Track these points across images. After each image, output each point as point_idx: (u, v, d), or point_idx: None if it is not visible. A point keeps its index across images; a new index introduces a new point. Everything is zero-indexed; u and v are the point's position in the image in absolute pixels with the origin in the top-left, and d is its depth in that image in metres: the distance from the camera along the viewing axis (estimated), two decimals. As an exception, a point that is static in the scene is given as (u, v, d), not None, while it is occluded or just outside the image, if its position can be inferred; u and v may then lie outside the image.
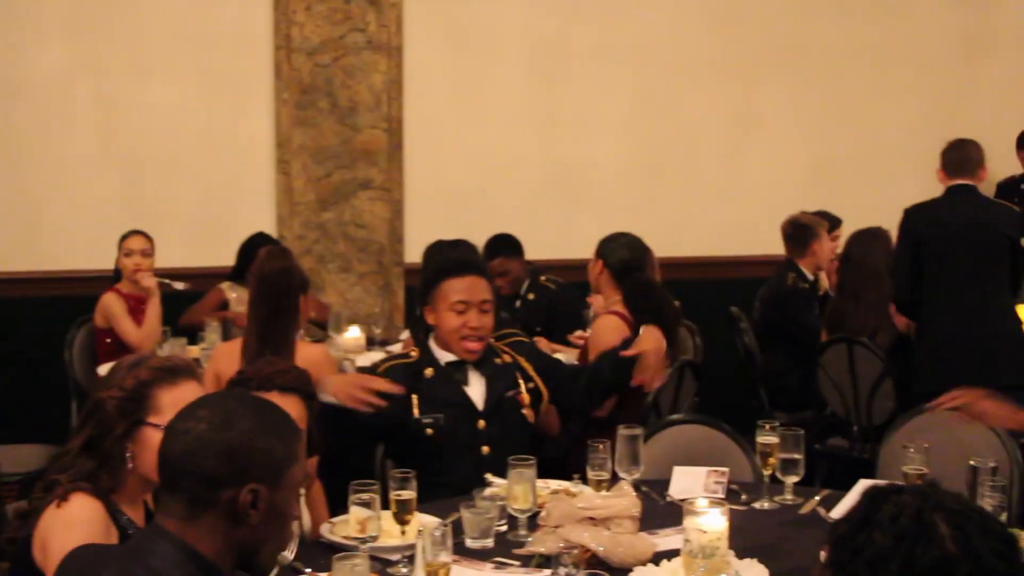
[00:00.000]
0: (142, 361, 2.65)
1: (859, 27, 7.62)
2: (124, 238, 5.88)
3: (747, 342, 6.19)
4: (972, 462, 3.26)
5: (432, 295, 3.88)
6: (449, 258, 4.23)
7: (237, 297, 6.11)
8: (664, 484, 3.65)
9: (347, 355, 5.28)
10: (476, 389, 3.84)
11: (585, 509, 2.98)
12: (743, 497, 3.54)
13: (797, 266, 6.15)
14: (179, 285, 5.92)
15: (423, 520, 3.12)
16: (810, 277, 6.17)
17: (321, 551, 3.04)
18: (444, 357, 3.87)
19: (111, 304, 5.80)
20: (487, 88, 7.17)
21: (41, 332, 6.18)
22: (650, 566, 2.83)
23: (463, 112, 7.14)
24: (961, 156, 5.50)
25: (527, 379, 3.92)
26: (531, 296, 6.12)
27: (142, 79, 6.72)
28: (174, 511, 2.01)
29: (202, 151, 6.82)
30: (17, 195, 6.59)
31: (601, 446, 3.37)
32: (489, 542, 3.08)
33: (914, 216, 5.45)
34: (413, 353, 3.97)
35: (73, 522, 2.44)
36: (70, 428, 4.79)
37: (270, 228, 6.83)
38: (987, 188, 7.40)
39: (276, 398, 2.99)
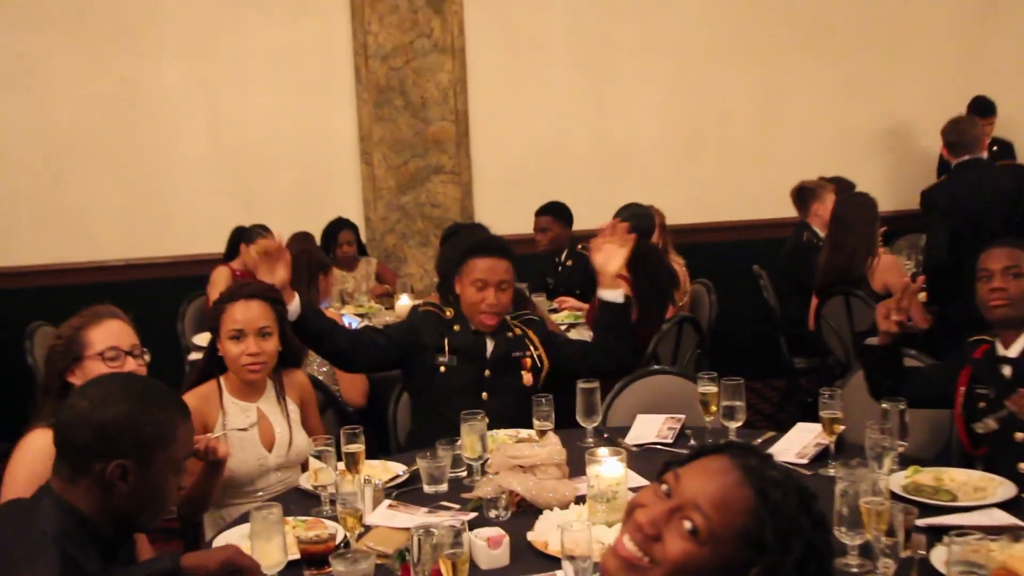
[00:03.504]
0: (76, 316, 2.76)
1: (874, 8, 7.22)
2: (253, 238, 5.87)
3: (766, 297, 5.90)
4: (884, 404, 3.00)
5: (460, 270, 3.77)
6: (478, 239, 4.09)
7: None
8: (627, 430, 3.48)
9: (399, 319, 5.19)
10: (489, 349, 3.74)
11: (515, 458, 2.84)
12: (691, 441, 3.34)
13: (809, 225, 5.86)
14: None
15: (375, 470, 3.03)
16: (821, 234, 5.83)
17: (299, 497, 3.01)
18: (470, 323, 3.77)
19: (219, 277, 5.82)
20: (540, 80, 6.99)
21: (161, 308, 6.21)
22: (558, 510, 2.66)
23: (520, 102, 6.99)
24: (960, 139, 5.22)
25: (534, 348, 3.79)
26: (569, 263, 5.98)
27: (244, 91, 6.73)
28: (61, 472, 2.00)
29: (297, 148, 6.81)
30: (145, 193, 6.67)
31: (544, 399, 3.22)
32: (443, 487, 2.98)
33: (935, 194, 5.08)
34: (449, 312, 3.82)
35: (25, 450, 2.56)
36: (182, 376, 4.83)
37: (357, 211, 6.82)
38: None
39: (242, 305, 3.16)
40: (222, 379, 3.26)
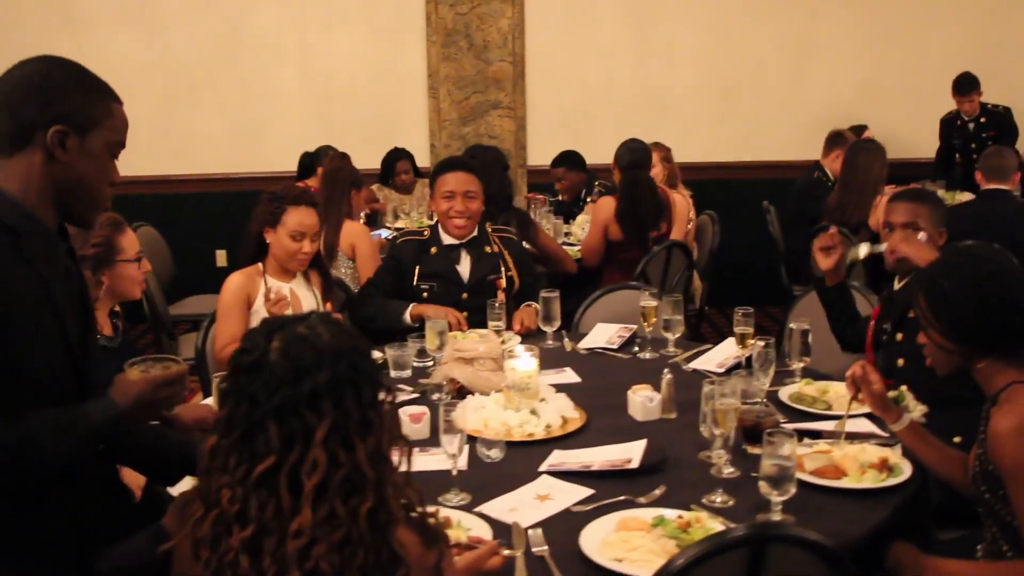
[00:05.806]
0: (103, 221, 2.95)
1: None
2: (322, 159, 6.11)
3: (771, 230, 5.91)
4: (791, 324, 3.08)
5: (434, 188, 3.85)
6: (445, 160, 4.19)
7: (384, 195, 6.32)
8: (584, 336, 3.63)
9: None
10: (465, 267, 3.80)
11: (459, 351, 3.04)
12: (635, 348, 3.46)
13: (822, 166, 5.85)
14: None
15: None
16: (831, 176, 5.81)
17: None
18: (446, 239, 3.81)
19: None
20: (589, 27, 7.01)
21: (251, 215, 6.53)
22: (479, 395, 2.86)
23: (571, 47, 7.02)
24: (999, 163, 4.91)
25: (507, 268, 3.84)
26: (591, 200, 6.02)
27: (329, 32, 6.94)
28: None
29: (373, 82, 7.00)
30: (243, 118, 6.99)
31: (497, 303, 3.39)
32: (405, 373, 3.17)
33: (955, 215, 4.95)
34: (427, 232, 3.88)
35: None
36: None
37: (423, 139, 7.01)
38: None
39: (306, 211, 3.48)
40: (264, 263, 3.52)
